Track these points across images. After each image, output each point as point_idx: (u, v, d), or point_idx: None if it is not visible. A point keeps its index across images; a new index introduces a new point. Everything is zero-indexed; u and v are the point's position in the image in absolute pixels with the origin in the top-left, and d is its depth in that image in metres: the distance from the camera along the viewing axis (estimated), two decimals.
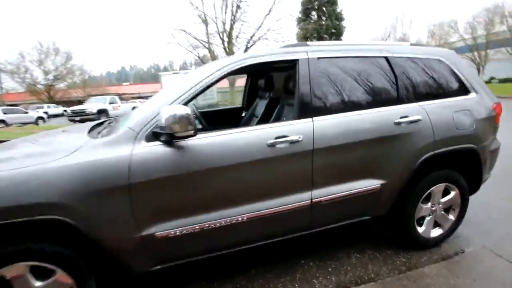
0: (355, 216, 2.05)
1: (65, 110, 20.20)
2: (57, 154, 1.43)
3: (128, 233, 1.48)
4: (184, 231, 1.57)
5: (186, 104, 1.59)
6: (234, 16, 17.24)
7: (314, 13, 23.52)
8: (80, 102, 22.13)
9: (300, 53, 1.86)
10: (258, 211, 1.70)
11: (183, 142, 1.54)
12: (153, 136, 1.52)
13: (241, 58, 1.76)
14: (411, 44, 2.35)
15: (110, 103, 17.08)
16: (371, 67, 2.04)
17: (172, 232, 1.55)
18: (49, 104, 28.35)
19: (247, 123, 3.22)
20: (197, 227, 1.59)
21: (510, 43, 26.09)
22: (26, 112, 20.41)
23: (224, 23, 17.30)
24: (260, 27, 17.39)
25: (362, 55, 2.02)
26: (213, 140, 1.61)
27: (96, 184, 1.39)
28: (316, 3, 23.10)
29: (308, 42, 2.01)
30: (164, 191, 1.51)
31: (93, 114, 15.37)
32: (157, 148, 1.51)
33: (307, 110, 1.80)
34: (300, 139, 1.72)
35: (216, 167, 1.58)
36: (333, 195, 1.86)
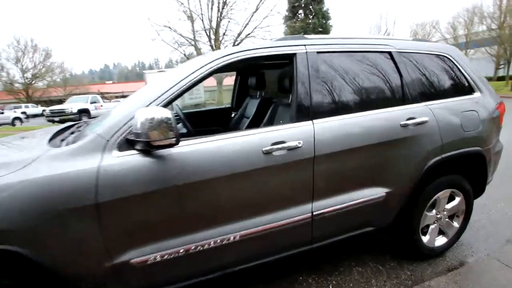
0: (358, 228, 1.86)
1: (44, 110, 19.28)
2: (7, 168, 1.16)
3: (97, 262, 1.22)
4: (166, 256, 1.33)
5: (167, 105, 1.35)
6: (221, 13, 16.87)
7: (301, 11, 23.47)
8: (60, 101, 21.21)
9: (297, 47, 1.65)
10: (252, 228, 1.48)
11: (164, 151, 1.29)
12: (127, 144, 1.27)
13: (230, 53, 1.53)
14: (413, 39, 2.19)
15: (92, 102, 16.36)
16: (374, 63, 1.85)
17: (151, 258, 1.30)
18: (27, 104, 27.05)
19: (237, 124, 2.99)
20: (181, 250, 1.35)
21: (489, 43, 26.94)
22: (2, 113, 19.34)
23: (210, 20, 16.91)
24: (247, 24, 17.12)
25: (365, 49, 1.83)
26: (200, 147, 1.37)
27: (54, 205, 1.13)
28: (303, 1, 23.05)
29: (305, 35, 1.80)
30: (141, 210, 1.27)
31: (74, 114, 14.67)
32: (132, 158, 1.26)
33: (307, 111, 1.59)
34: (299, 145, 1.50)
35: (204, 179, 1.35)
36: (336, 207, 1.66)
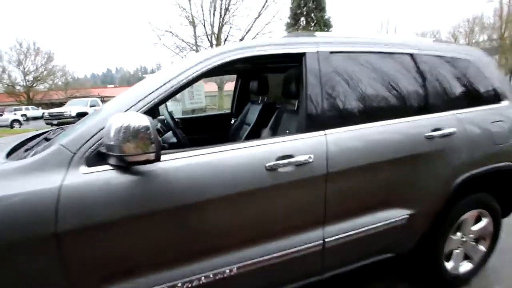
0: (376, 255, 1.61)
1: (43, 113, 19.16)
2: None
3: None
4: None
5: (149, 112, 1.11)
6: (223, 19, 16.78)
7: (303, 18, 23.45)
8: (61, 104, 21.07)
9: (307, 45, 1.42)
10: (252, 259, 1.23)
11: (145, 167, 1.05)
12: (99, 157, 1.03)
13: (227, 50, 1.29)
14: (434, 41, 1.96)
15: (92, 105, 16.18)
16: (394, 65, 1.62)
17: None
18: (28, 106, 26.93)
19: (236, 132, 2.75)
20: None
21: (490, 53, 26.83)
22: (1, 115, 19.16)
23: (212, 26, 16.80)
24: (249, 30, 17.02)
25: (384, 50, 1.59)
26: (189, 162, 1.13)
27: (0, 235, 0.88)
28: (305, 9, 23.05)
29: (315, 33, 1.57)
30: (116, 240, 1.02)
31: (72, 117, 14.46)
32: (105, 175, 1.02)
33: (318, 120, 1.35)
34: (310, 160, 1.26)
35: (193, 203, 1.10)
36: (351, 232, 1.41)
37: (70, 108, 15.22)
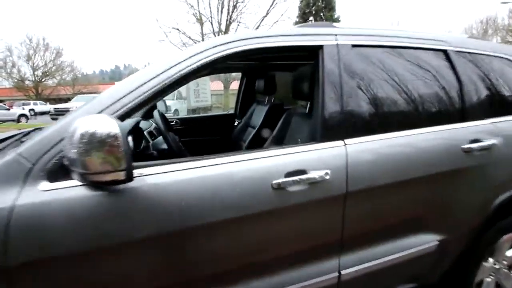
0: (396, 285, 1.37)
1: (51, 108, 19.27)
2: None
3: None
4: None
5: (127, 115, 0.89)
6: (230, 17, 16.57)
7: (311, 18, 23.15)
8: (68, 99, 21.15)
9: (325, 37, 1.18)
10: None
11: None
12: (64, 171, 0.82)
13: (230, 40, 1.06)
14: (468, 37, 1.71)
15: None
16: (426, 64, 1.38)
17: None
18: (36, 101, 27.14)
19: (240, 135, 2.54)
20: None
21: None
22: (8, 109, 19.27)
23: (219, 23, 16.60)
24: (257, 28, 16.77)
25: (415, 45, 1.35)
26: (177, 178, 0.91)
27: None
28: (314, 8, 22.71)
29: (334, 23, 1.34)
30: (81, 276, 0.81)
31: None
32: (69, 194, 0.80)
33: (336, 127, 1.12)
34: (326, 177, 1.03)
35: (181, 230, 0.89)
36: (372, 263, 1.18)
37: (76, 104, 15.21)
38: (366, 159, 1.11)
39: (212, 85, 16.98)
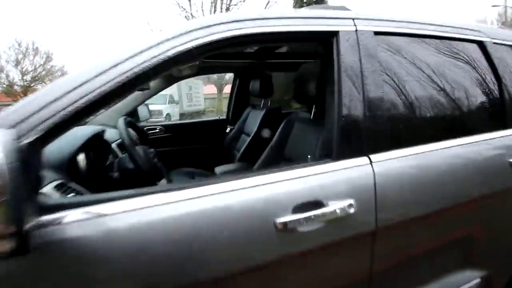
0: None
1: None
2: None
3: None
4: None
5: (58, 130, 0.59)
6: None
7: None
8: None
9: (340, 21, 0.90)
10: None
11: (48, 231, 0.54)
12: None
13: (214, 22, 0.76)
14: (499, 27, 1.46)
15: None
16: (459, 57, 1.11)
17: None
18: None
19: (233, 143, 2.25)
20: None
21: None
22: None
23: None
24: None
25: (450, 34, 1.09)
26: (138, 219, 0.61)
27: None
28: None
29: (347, 7, 1.07)
30: None
31: None
32: None
33: (358, 138, 0.84)
34: (350, 211, 0.74)
35: None
36: None
37: None
38: (400, 181, 0.83)
39: (205, 88, 16.66)
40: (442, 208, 0.89)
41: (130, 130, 1.15)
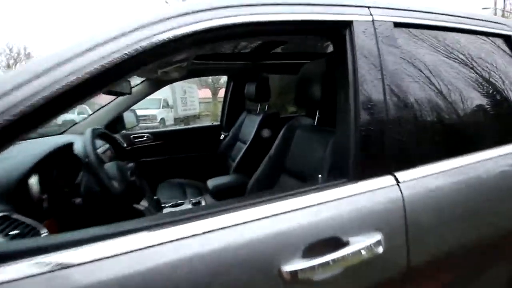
0: None
1: None
2: None
3: None
4: None
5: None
6: None
7: None
8: None
9: (354, 9, 0.73)
10: None
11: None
12: None
13: (201, 8, 0.58)
14: None
15: (79, 113, 15.39)
16: (487, 53, 0.96)
17: None
18: None
19: (228, 150, 2.08)
20: None
21: None
22: None
23: None
24: None
25: (478, 28, 0.93)
26: (104, 276, 0.43)
27: None
28: None
29: None
30: None
31: (58, 125, 13.65)
32: None
33: (381, 153, 0.67)
34: (378, 250, 0.57)
35: None
36: None
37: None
38: (437, 204, 0.66)
39: (200, 92, 16.45)
40: (500, 235, 0.72)
41: (102, 142, 0.96)
